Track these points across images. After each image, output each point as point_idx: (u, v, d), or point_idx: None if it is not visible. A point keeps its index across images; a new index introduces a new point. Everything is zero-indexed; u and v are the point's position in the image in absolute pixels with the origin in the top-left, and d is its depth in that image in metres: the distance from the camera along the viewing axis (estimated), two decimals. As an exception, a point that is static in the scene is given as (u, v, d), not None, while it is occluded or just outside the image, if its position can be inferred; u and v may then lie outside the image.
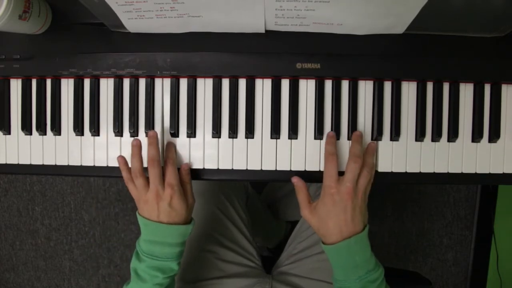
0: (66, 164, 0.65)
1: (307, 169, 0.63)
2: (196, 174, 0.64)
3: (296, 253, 0.83)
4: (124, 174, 0.61)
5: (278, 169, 0.63)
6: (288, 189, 1.22)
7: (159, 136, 0.63)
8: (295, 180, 0.61)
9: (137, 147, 0.60)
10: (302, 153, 0.63)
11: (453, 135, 0.63)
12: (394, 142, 0.63)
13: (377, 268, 0.57)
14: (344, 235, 0.56)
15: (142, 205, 0.59)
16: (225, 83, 0.63)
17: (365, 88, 0.63)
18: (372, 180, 0.59)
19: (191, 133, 0.63)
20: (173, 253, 0.59)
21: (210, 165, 0.64)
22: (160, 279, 0.58)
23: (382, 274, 0.58)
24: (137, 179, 0.58)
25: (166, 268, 0.59)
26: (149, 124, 0.63)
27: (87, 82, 0.64)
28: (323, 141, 0.63)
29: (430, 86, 0.63)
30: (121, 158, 0.61)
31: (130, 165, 0.60)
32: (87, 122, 0.64)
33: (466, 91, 0.63)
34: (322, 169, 0.63)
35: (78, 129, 0.64)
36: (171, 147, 0.62)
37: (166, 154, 0.61)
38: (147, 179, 0.58)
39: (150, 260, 0.58)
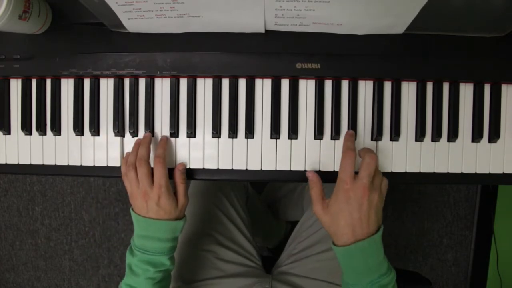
0: (66, 164, 0.65)
1: (307, 169, 0.63)
2: (196, 174, 0.64)
3: (296, 253, 0.83)
4: (122, 168, 0.62)
5: (278, 169, 0.63)
6: (288, 189, 1.22)
7: (159, 136, 0.63)
8: (310, 174, 0.59)
9: (137, 145, 0.62)
10: (302, 153, 0.63)
11: (453, 135, 0.63)
12: (394, 142, 0.63)
13: (389, 272, 0.55)
14: (357, 236, 0.53)
15: (133, 201, 0.60)
16: (225, 83, 0.63)
17: (365, 88, 0.63)
18: (385, 180, 0.57)
19: (191, 133, 0.63)
20: (163, 248, 0.59)
21: (210, 165, 0.64)
22: (152, 273, 0.59)
23: (394, 279, 0.55)
24: (130, 172, 0.59)
25: (157, 262, 0.59)
26: (149, 124, 0.63)
27: (87, 82, 0.64)
28: (323, 141, 0.63)
29: (430, 86, 0.63)
30: (127, 153, 0.63)
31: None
32: (87, 122, 0.64)
33: (466, 91, 0.63)
34: (322, 169, 0.63)
35: (78, 129, 0.64)
36: (161, 145, 0.62)
37: (155, 153, 0.61)
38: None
39: (141, 254, 0.59)
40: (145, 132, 0.63)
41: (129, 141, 0.64)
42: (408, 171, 0.63)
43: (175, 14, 0.57)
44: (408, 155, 0.63)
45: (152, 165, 0.60)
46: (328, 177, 0.61)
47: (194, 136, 0.64)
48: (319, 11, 0.55)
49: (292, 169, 0.63)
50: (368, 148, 0.59)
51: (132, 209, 0.61)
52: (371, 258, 0.53)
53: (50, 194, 1.54)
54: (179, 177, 0.61)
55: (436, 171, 0.63)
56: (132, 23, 0.59)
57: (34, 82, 0.65)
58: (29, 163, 0.65)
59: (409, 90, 0.63)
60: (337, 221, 0.54)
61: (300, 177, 0.63)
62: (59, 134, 0.65)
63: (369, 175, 0.53)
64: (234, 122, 0.63)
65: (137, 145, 0.61)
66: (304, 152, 0.63)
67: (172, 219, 0.60)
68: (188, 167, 0.64)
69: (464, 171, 0.63)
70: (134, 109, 0.63)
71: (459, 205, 1.48)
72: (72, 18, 0.63)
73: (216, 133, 0.63)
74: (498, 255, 1.40)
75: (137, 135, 0.64)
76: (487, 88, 0.63)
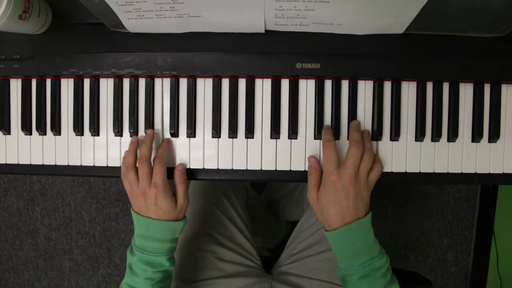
0: (66, 164, 0.65)
1: (307, 169, 0.63)
2: (196, 174, 0.64)
3: (296, 253, 0.83)
4: (122, 168, 0.61)
5: (278, 169, 0.63)
6: (288, 189, 1.22)
7: (159, 136, 0.63)
8: (312, 160, 0.60)
9: (133, 144, 0.62)
10: (302, 153, 0.63)
11: (453, 135, 0.63)
12: (394, 142, 0.63)
13: (381, 256, 0.56)
14: (346, 221, 0.56)
15: (133, 200, 0.60)
16: (225, 83, 0.63)
17: (365, 88, 0.63)
18: (380, 168, 0.59)
19: (191, 133, 0.63)
20: (162, 249, 0.59)
21: (210, 165, 0.64)
22: (150, 273, 0.59)
23: (387, 264, 0.57)
24: (129, 173, 0.60)
25: (156, 262, 0.59)
26: (149, 124, 0.63)
27: (87, 82, 0.64)
28: (323, 141, 0.63)
29: (430, 86, 0.63)
30: (126, 152, 0.62)
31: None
32: (87, 122, 0.64)
33: (466, 91, 0.63)
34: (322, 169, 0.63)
35: (78, 129, 0.64)
36: (163, 146, 0.62)
37: (157, 153, 0.61)
38: (137, 175, 0.60)
39: (141, 254, 0.59)
40: (145, 130, 0.63)
41: (129, 141, 0.64)
42: (408, 171, 0.63)
43: (175, 14, 0.57)
44: (408, 155, 0.63)
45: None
46: (328, 177, 0.61)
47: (194, 136, 0.64)
48: (319, 11, 0.55)
49: (292, 169, 0.63)
50: (357, 137, 0.58)
51: (132, 209, 0.61)
52: (360, 241, 0.55)
53: (50, 194, 1.54)
54: (179, 177, 0.61)
55: (436, 171, 0.63)
56: (132, 23, 0.59)
57: (34, 82, 0.65)
58: (29, 163, 0.65)
59: (409, 90, 0.63)
60: (328, 211, 0.56)
61: (300, 177, 0.63)
62: (59, 134, 0.65)
63: (354, 164, 0.56)
64: (234, 122, 0.63)
65: (132, 144, 0.61)
66: (304, 152, 0.63)
67: (171, 220, 0.60)
68: (188, 167, 0.64)
69: (464, 171, 0.63)
70: (134, 109, 0.63)
71: (459, 205, 1.48)
72: (72, 18, 0.63)
73: (216, 133, 0.63)
74: (498, 255, 1.40)
75: (137, 135, 0.64)
76: (487, 88, 0.63)
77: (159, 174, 0.58)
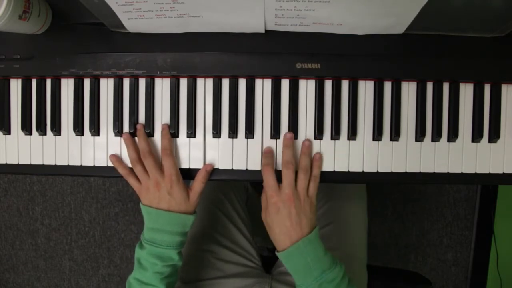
0: (66, 164, 0.65)
1: (307, 169, 0.63)
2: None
3: (296, 253, 0.83)
4: (121, 170, 0.62)
5: (278, 169, 0.63)
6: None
7: (158, 137, 0.63)
8: (266, 188, 0.60)
9: (128, 139, 0.62)
10: (302, 153, 0.63)
11: (453, 135, 0.63)
12: (394, 142, 0.63)
13: (333, 267, 0.57)
14: (293, 240, 0.57)
15: (144, 193, 0.61)
16: (225, 83, 0.63)
17: (365, 88, 0.63)
18: (315, 181, 0.60)
19: (191, 133, 0.63)
20: (172, 242, 0.60)
21: (210, 165, 0.63)
22: (159, 267, 0.59)
23: (341, 273, 0.58)
24: (136, 167, 0.60)
25: (165, 256, 0.60)
26: (149, 124, 0.63)
27: (87, 82, 0.64)
28: (323, 141, 0.63)
29: (430, 86, 0.63)
30: (113, 156, 0.63)
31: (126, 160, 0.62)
32: (87, 122, 0.64)
33: (466, 91, 0.63)
34: (322, 170, 0.63)
35: (78, 129, 0.64)
36: (164, 136, 0.62)
37: (162, 145, 0.62)
38: (145, 167, 0.60)
39: (150, 247, 0.59)
40: (145, 130, 0.63)
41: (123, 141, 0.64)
42: (408, 171, 0.63)
43: (175, 14, 0.57)
44: (408, 155, 0.63)
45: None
46: (328, 177, 0.62)
47: (194, 136, 0.64)
48: (319, 11, 0.55)
49: (292, 169, 0.63)
50: (287, 156, 0.60)
51: (142, 203, 0.61)
52: (310, 257, 0.57)
53: (50, 194, 1.54)
54: (203, 176, 0.62)
55: (436, 171, 0.63)
56: (132, 23, 0.59)
57: (34, 82, 0.65)
58: (29, 163, 0.65)
59: (409, 90, 0.63)
60: (273, 230, 0.59)
61: (300, 177, 0.63)
62: (59, 134, 0.65)
63: (289, 184, 0.58)
64: (234, 122, 0.63)
65: (127, 139, 0.62)
66: (304, 152, 0.63)
67: (182, 212, 0.60)
68: (188, 167, 0.64)
69: (464, 171, 0.63)
70: (134, 109, 0.63)
71: (459, 205, 1.48)
72: (72, 18, 0.63)
73: (216, 133, 0.63)
74: (498, 255, 1.40)
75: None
76: (487, 88, 0.63)
77: (170, 165, 0.59)
